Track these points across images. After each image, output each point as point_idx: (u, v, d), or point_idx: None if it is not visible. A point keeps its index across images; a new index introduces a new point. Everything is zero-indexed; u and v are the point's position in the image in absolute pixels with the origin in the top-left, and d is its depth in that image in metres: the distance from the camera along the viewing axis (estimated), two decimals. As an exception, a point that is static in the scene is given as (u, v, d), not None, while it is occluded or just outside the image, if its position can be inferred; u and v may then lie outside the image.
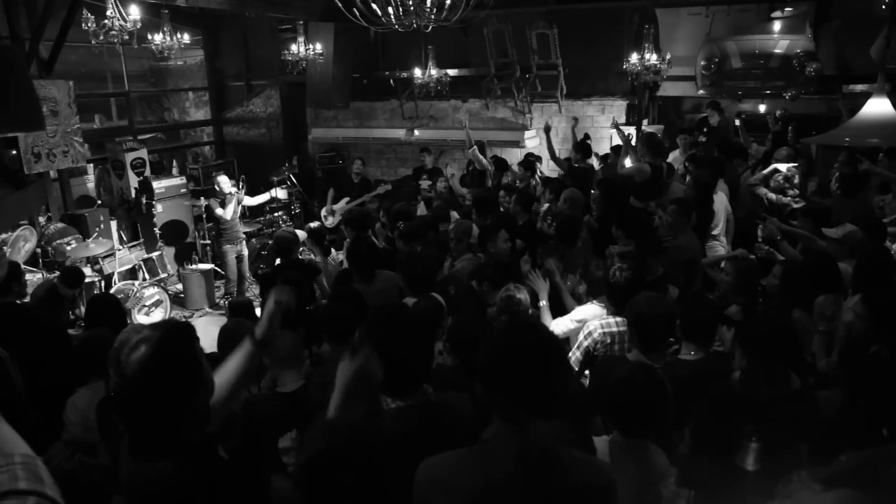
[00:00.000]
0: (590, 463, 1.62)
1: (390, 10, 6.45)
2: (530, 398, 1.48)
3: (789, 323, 3.20)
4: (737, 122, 8.15)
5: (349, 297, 3.66)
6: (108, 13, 6.14)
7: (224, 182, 7.76)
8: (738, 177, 6.86)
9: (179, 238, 8.84)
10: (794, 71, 7.96)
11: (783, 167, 6.54)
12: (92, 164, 9.11)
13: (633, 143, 7.65)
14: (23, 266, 5.23)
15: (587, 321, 3.67)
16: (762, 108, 9.90)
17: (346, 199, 8.88)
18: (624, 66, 8.61)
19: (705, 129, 8.70)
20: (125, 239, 8.09)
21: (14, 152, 7.08)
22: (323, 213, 8.99)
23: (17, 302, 4.21)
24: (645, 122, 9.55)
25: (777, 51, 8.12)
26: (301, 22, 9.15)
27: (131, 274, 7.73)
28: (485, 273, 3.94)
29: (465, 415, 2.08)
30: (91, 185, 9.34)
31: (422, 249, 4.61)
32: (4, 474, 1.05)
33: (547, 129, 8.12)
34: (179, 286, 8.44)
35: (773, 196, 6.38)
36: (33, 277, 6.47)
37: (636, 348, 3.06)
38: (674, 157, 7.83)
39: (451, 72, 9.90)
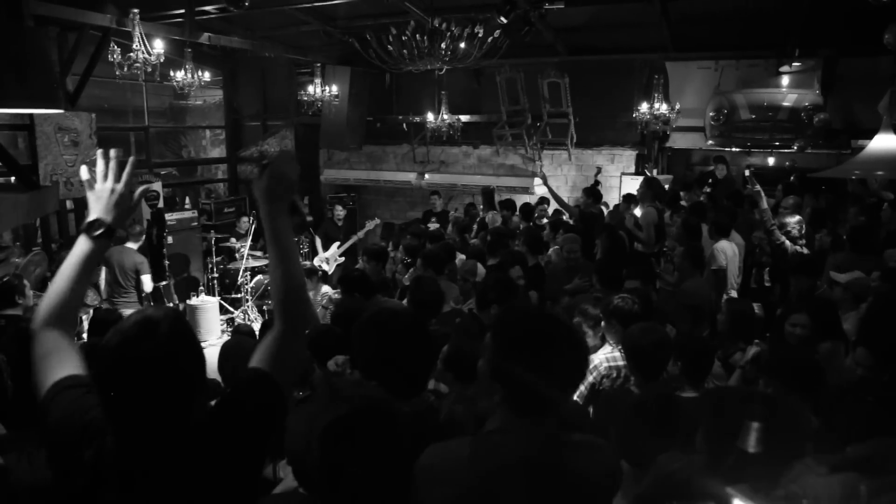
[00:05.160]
0: (593, 446, 1.58)
1: (405, 52, 6.68)
2: (561, 374, 1.49)
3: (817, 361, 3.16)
4: (746, 173, 8.20)
5: (344, 320, 3.62)
6: (133, 45, 6.37)
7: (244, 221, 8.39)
8: (749, 225, 6.85)
9: (183, 270, 8.88)
10: (803, 123, 8.05)
11: (792, 220, 6.54)
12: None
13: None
14: (32, 290, 5.26)
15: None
16: (771, 161, 9.98)
17: (336, 243, 8.83)
18: (633, 115, 8.76)
19: (710, 181, 8.77)
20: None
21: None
22: (316, 262, 8.96)
23: (21, 315, 4.22)
24: (654, 171, 9.64)
25: (785, 103, 8.24)
26: (318, 64, 9.41)
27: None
28: (488, 297, 3.91)
29: (467, 422, 2.04)
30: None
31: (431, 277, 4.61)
32: None
33: (544, 179, 8.24)
34: (181, 318, 8.43)
35: (788, 244, 6.36)
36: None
37: (636, 379, 3.06)
38: None
39: (464, 117, 10.10)
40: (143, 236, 7.33)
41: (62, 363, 1.50)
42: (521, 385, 1.46)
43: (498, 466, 1.44)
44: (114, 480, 1.36)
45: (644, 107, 8.55)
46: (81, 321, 6.36)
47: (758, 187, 7.55)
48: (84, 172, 1.62)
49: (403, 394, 1.95)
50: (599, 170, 8.91)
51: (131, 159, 1.67)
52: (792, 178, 8.03)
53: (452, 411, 2.21)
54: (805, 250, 6.30)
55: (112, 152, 1.65)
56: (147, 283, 6.79)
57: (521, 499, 1.42)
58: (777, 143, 8.47)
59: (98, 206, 1.62)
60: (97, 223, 1.60)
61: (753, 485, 1.52)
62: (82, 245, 1.61)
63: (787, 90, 8.43)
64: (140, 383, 1.35)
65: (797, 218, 6.50)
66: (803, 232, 6.51)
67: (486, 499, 1.43)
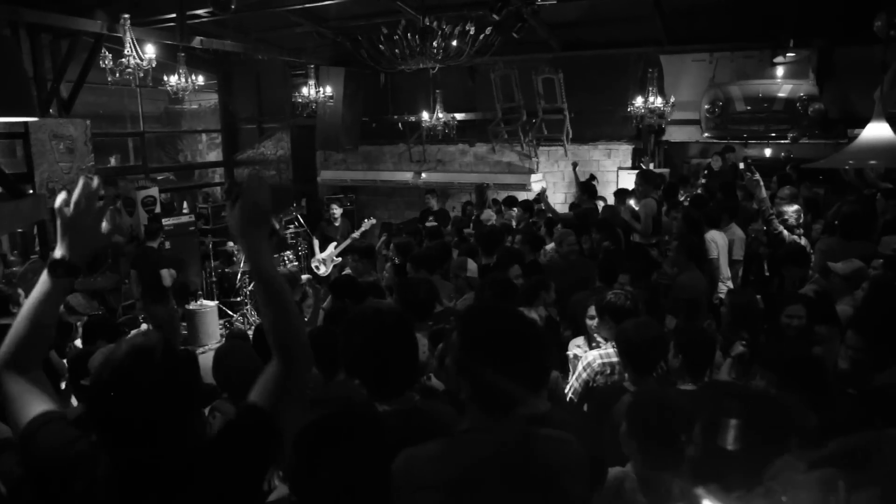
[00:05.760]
0: (561, 440, 1.58)
1: (397, 51, 6.67)
2: (527, 373, 1.49)
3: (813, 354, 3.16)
4: (741, 165, 8.18)
5: (337, 321, 3.61)
6: (125, 51, 6.37)
7: None
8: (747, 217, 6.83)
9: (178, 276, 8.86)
10: (798, 114, 8.03)
11: (790, 209, 6.53)
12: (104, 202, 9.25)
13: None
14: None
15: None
16: (768, 151, 9.95)
17: (333, 243, 8.75)
18: (629, 110, 8.74)
19: (706, 173, 8.75)
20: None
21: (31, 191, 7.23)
22: (313, 263, 8.91)
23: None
24: (651, 164, 9.62)
25: (780, 94, 8.22)
26: (312, 66, 9.40)
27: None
28: (485, 297, 3.91)
29: (451, 423, 2.03)
30: (103, 224, 9.46)
31: (423, 278, 4.59)
32: None
33: (543, 194, 8.21)
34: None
35: (786, 234, 6.34)
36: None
37: (630, 375, 3.04)
38: None
39: (459, 116, 10.08)
40: (161, 233, 7.42)
41: (33, 402, 1.48)
42: (486, 382, 1.46)
43: (471, 465, 1.45)
44: None
45: (639, 101, 8.54)
46: (77, 328, 6.38)
47: (757, 176, 7.51)
48: (59, 200, 1.53)
49: (386, 393, 1.94)
50: (576, 164, 8.96)
51: (95, 180, 1.56)
52: (788, 168, 8.00)
53: (440, 412, 2.20)
54: (803, 240, 6.29)
55: (95, 181, 1.56)
56: (166, 277, 6.91)
57: (496, 496, 1.43)
58: (773, 134, 8.46)
59: (66, 239, 1.54)
60: (61, 262, 1.53)
61: (731, 482, 1.51)
62: (45, 284, 1.54)
63: (781, 81, 8.41)
64: (135, 415, 1.33)
65: (795, 207, 6.48)
66: (801, 221, 6.50)
67: (462, 498, 1.44)
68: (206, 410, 3.28)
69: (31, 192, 7.28)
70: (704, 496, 1.08)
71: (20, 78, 3.05)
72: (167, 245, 8.39)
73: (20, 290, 5.05)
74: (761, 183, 6.88)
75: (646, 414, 2.16)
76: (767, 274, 6.74)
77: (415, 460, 1.50)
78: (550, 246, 6.37)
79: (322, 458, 1.40)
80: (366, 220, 8.93)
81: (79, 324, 6.23)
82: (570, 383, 3.51)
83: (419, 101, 10.16)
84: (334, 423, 1.44)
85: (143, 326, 7.41)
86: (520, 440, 1.48)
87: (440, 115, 9.62)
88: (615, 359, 3.42)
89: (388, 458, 1.48)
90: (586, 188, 8.25)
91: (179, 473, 1.38)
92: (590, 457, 1.63)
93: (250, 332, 7.30)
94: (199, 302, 8.38)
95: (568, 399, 3.46)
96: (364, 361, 2.00)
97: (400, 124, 10.98)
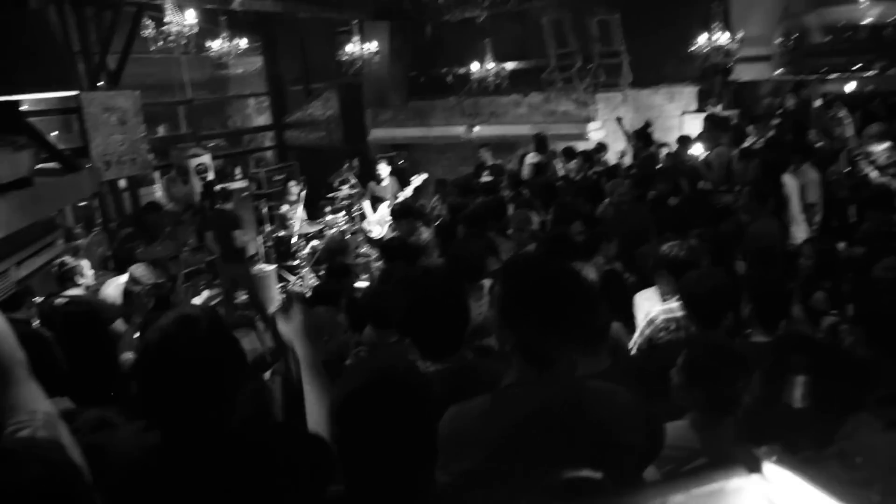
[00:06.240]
0: (611, 391, 1.54)
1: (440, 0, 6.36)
2: (573, 326, 1.47)
3: None
4: (816, 102, 7.53)
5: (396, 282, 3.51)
6: (165, 19, 6.32)
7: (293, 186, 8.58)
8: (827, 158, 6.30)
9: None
10: (887, 41, 7.27)
11: (878, 148, 5.96)
12: (159, 172, 9.39)
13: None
14: (93, 270, 5.40)
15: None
16: (849, 86, 9.14)
17: (385, 203, 8.38)
18: (692, 49, 8.16)
19: (779, 113, 8.13)
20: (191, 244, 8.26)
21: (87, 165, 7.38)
22: (366, 225, 8.71)
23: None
24: (719, 107, 9.00)
25: (866, 20, 7.45)
26: (355, 22, 9.16)
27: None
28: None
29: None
30: (159, 193, 9.65)
31: (472, 238, 4.41)
32: (27, 429, 1.27)
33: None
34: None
35: (875, 175, 5.80)
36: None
37: (696, 329, 2.85)
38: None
39: (510, 65, 9.68)
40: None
41: None
42: (529, 335, 1.45)
43: (518, 420, 1.43)
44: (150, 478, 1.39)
45: (703, 38, 7.94)
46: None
47: (841, 114, 6.90)
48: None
49: (437, 352, 1.98)
50: (620, 119, 8.50)
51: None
52: (875, 102, 7.29)
53: (493, 369, 2.11)
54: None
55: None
56: (238, 237, 7.15)
57: (544, 449, 1.39)
58: (856, 67, 7.71)
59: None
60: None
61: (799, 442, 1.35)
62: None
63: (868, 4, 7.61)
64: (178, 379, 1.39)
65: (886, 145, 5.91)
66: (893, 160, 5.93)
67: (509, 453, 1.41)
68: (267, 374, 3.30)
69: (88, 165, 7.44)
70: (766, 457, 0.91)
71: (57, 52, 3.02)
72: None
73: (84, 262, 5.16)
74: (846, 121, 6.30)
75: (699, 358, 2.09)
76: (853, 220, 6.23)
77: (461, 417, 1.49)
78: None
79: (363, 426, 1.33)
80: (416, 177, 8.70)
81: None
82: (634, 339, 3.31)
83: (468, 52, 9.78)
84: (374, 390, 1.36)
85: (205, 293, 7.55)
86: (567, 393, 1.46)
87: (490, 66, 9.26)
88: (679, 313, 3.20)
89: (434, 420, 1.43)
90: (640, 136, 7.82)
91: (215, 447, 1.40)
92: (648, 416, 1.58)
93: (308, 295, 7.36)
94: (257, 267, 8.47)
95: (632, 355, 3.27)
96: (413, 321, 2.05)
97: (449, 77, 10.62)
